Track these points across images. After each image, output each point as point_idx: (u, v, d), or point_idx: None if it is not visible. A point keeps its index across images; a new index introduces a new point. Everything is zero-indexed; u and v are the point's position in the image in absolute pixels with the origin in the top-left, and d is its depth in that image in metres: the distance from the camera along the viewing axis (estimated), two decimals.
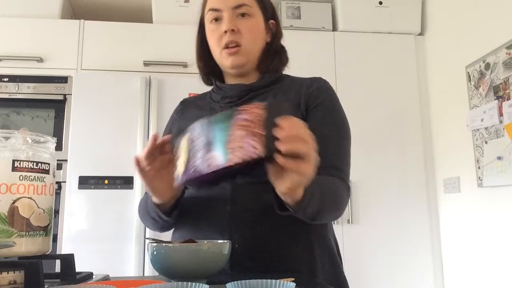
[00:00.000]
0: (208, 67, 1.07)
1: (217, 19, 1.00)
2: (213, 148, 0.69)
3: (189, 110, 1.07)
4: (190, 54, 2.50)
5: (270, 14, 1.06)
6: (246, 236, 0.86)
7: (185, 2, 2.58)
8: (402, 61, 2.66)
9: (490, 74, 2.10)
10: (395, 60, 2.65)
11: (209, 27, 1.02)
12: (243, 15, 0.99)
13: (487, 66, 2.13)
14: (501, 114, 2.01)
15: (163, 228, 0.97)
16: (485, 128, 2.11)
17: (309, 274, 0.87)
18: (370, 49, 2.65)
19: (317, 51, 2.61)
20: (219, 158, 0.67)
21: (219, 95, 1.03)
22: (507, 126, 1.97)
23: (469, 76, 2.26)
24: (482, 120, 2.13)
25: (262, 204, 0.86)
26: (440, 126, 2.54)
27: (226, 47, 0.98)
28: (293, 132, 0.64)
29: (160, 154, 0.84)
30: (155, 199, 0.88)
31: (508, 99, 1.98)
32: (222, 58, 1.00)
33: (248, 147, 0.64)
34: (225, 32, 0.97)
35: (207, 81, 1.10)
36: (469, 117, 2.23)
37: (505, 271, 1.99)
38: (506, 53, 2.00)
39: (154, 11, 2.57)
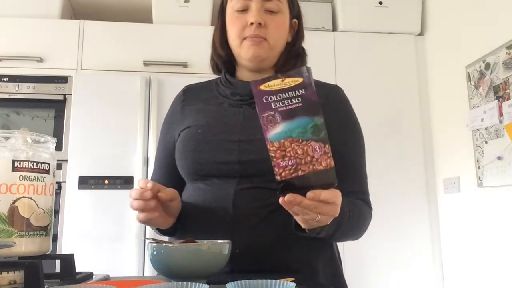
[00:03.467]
0: (225, 56, 1.01)
1: (243, 8, 0.94)
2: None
3: (193, 102, 1.01)
4: (190, 54, 2.53)
5: (295, 13, 1.02)
6: (247, 240, 0.84)
7: (185, 2, 2.57)
8: (402, 61, 2.66)
9: (490, 74, 2.10)
10: (395, 60, 2.65)
11: (232, 14, 0.96)
12: (272, 10, 0.94)
13: (487, 66, 2.13)
14: (501, 114, 2.01)
15: (165, 234, 0.96)
16: (485, 128, 2.11)
17: (311, 277, 0.87)
18: (370, 49, 2.65)
19: (317, 51, 2.60)
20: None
21: (229, 90, 0.98)
22: (507, 126, 1.97)
23: (469, 76, 2.26)
24: (482, 120, 2.13)
25: (265, 209, 0.86)
26: (440, 126, 2.54)
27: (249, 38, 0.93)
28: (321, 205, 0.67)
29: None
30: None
31: (508, 99, 1.98)
32: (242, 49, 0.94)
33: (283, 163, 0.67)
34: (251, 24, 0.92)
35: (217, 70, 1.04)
36: (469, 117, 2.23)
37: (505, 271, 1.99)
38: (506, 53, 2.00)
39: (154, 11, 2.57)
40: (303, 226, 0.74)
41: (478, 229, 2.18)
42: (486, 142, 2.11)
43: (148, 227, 2.11)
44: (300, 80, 0.68)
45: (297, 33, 1.02)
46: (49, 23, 2.45)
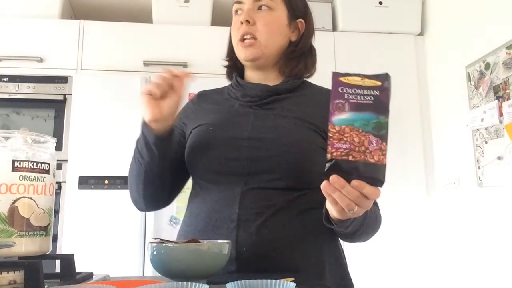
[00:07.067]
0: (232, 61, 1.07)
1: (238, 9, 1.01)
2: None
3: (206, 103, 1.06)
4: (190, 54, 2.52)
5: (300, 12, 1.05)
6: (253, 239, 0.85)
7: (185, 2, 2.57)
8: (402, 61, 2.66)
9: (490, 74, 2.10)
10: (395, 60, 2.65)
11: (233, 20, 1.03)
12: (261, 7, 0.99)
13: (487, 66, 2.13)
14: (501, 114, 2.01)
15: (147, 181, 0.93)
16: (485, 128, 2.11)
17: (317, 277, 0.87)
18: (370, 49, 2.65)
19: (317, 51, 2.60)
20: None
21: (239, 92, 1.01)
22: (507, 126, 1.97)
23: (469, 76, 2.26)
24: (482, 120, 2.13)
25: (271, 208, 0.87)
26: (440, 126, 2.54)
27: (242, 39, 0.98)
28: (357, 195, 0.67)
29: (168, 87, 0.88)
30: (149, 126, 0.93)
31: (508, 99, 1.98)
32: (238, 50, 1.00)
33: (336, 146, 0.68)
34: (241, 23, 0.97)
35: (230, 76, 1.09)
36: (469, 117, 2.23)
37: (505, 271, 1.99)
38: (506, 53, 2.00)
39: (154, 11, 2.57)
40: (336, 215, 0.73)
41: (478, 229, 2.18)
42: (486, 142, 2.11)
43: (148, 227, 2.11)
44: (378, 83, 0.70)
45: (302, 33, 1.07)
46: (49, 23, 2.45)
